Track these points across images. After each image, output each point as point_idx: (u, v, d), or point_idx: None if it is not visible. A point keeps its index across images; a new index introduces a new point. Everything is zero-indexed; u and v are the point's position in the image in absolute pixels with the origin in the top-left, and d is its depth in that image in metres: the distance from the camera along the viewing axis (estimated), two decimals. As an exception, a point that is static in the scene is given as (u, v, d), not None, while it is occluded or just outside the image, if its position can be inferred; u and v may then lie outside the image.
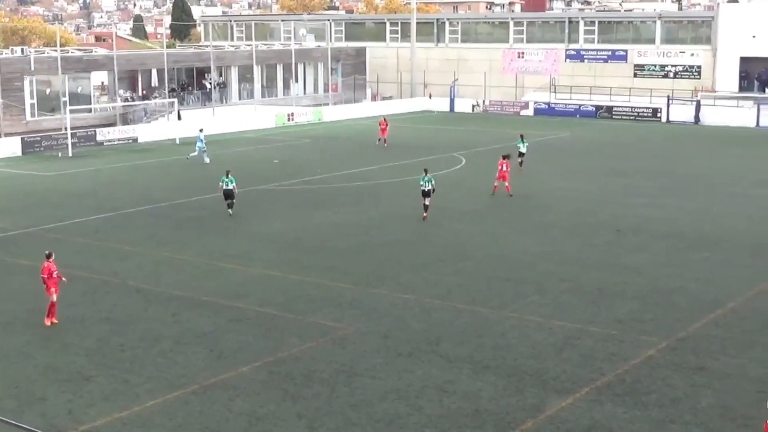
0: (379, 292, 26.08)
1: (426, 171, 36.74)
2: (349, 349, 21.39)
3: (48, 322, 23.12)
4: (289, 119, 75.62)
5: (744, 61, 79.31)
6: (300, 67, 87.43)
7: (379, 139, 60.31)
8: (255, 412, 17.79)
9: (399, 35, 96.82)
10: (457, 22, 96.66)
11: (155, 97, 72.97)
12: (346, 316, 23.88)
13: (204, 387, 19.03)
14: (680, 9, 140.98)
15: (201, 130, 54.04)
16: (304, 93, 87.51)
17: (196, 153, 52.72)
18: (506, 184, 40.76)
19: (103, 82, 71.82)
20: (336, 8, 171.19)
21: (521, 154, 48.48)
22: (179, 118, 68.71)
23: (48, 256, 23.47)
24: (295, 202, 40.24)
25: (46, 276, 23.16)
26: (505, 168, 40.85)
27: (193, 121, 67.71)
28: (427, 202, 36.08)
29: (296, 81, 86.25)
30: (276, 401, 18.32)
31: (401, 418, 17.50)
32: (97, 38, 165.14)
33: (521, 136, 49.48)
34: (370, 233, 33.89)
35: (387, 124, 61.19)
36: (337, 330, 22.71)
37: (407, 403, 18.17)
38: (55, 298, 23.20)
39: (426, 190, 35.96)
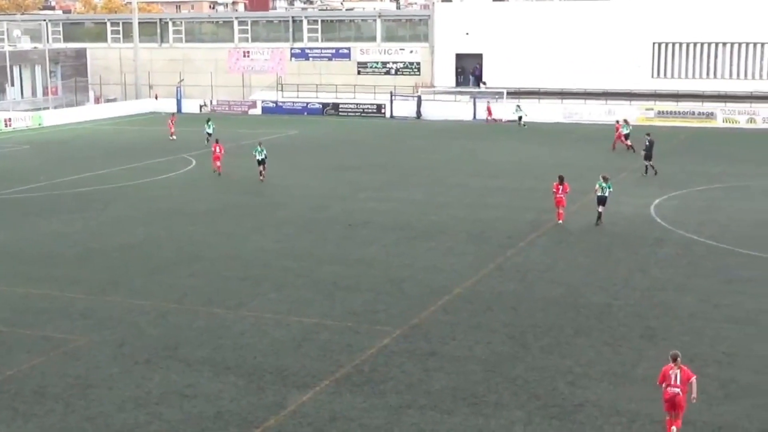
0: (112, 299, 25.23)
1: None
2: (83, 360, 20.54)
3: None
4: (6, 125, 71.56)
5: (459, 57, 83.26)
6: (15, 70, 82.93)
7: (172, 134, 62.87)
8: (-18, 436, 16.72)
9: (121, 35, 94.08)
10: (181, 22, 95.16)
11: None
12: (78, 326, 22.91)
13: (-77, 414, 17.66)
14: (398, 8, 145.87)
15: None
16: (22, 97, 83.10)
17: None
18: (561, 210, 35.04)
19: None
20: (52, 8, 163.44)
21: (261, 162, 46.30)
22: None
23: None
24: (17, 211, 38.15)
25: None
26: (561, 192, 34.85)
27: None
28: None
29: (12, 85, 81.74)
30: (6, 422, 17.29)
31: (141, 427, 17.02)
32: None
33: (259, 143, 48.79)
34: (100, 239, 32.71)
35: (174, 120, 65.42)
36: (69, 342, 21.74)
37: (147, 411, 17.70)
38: None
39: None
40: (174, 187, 43.98)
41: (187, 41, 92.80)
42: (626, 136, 55.56)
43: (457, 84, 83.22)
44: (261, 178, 44.85)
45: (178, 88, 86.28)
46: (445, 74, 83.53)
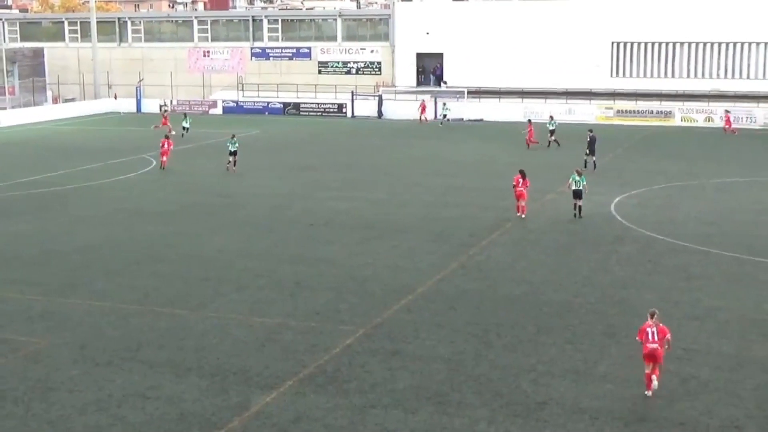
0: (73, 301, 24.98)
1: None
2: (44, 363, 20.32)
3: None
4: (-39, 125, 70.65)
5: (420, 56, 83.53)
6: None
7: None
8: (-59, 441, 16.46)
9: (79, 35, 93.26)
10: (140, 21, 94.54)
11: None
12: (37, 329, 22.65)
13: None
14: (359, 8, 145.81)
15: None
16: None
17: None
18: (522, 204, 35.83)
19: None
20: (8, 7, 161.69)
21: (233, 153, 47.73)
22: None
23: None
24: (-26, 212, 37.68)
25: None
26: (521, 186, 35.68)
27: None
28: None
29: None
30: (-36, 426, 17.07)
31: (103, 430, 16.86)
32: None
33: (232, 136, 49.36)
34: (59, 241, 32.38)
35: (167, 119, 65.62)
36: (29, 344, 21.48)
37: (108, 414, 17.54)
38: None
39: None
40: (134, 188, 43.67)
41: (146, 41, 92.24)
42: (551, 132, 57.57)
43: (418, 83, 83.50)
44: (231, 168, 47.59)
45: (137, 88, 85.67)
46: (406, 74, 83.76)
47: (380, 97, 79.25)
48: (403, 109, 77.76)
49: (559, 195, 39.90)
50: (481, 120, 74.00)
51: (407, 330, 22.38)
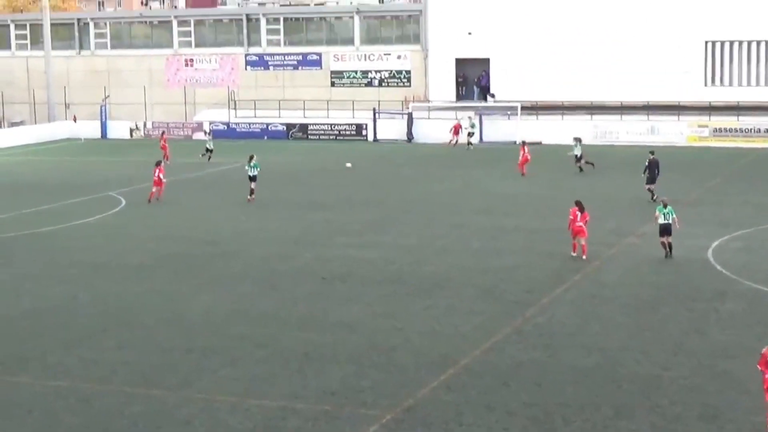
0: (20, 380, 25.03)
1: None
2: (-17, 460, 20.37)
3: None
4: None
5: (460, 63, 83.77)
6: None
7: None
8: None
9: (28, 41, 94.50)
10: (105, 23, 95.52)
11: None
12: (-25, 416, 22.74)
13: None
14: (382, 2, 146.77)
15: None
16: None
17: None
18: (582, 242, 37.09)
19: None
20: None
21: (253, 179, 50.50)
22: None
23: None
24: None
25: None
26: (580, 219, 36.94)
27: None
28: None
29: None
30: None
31: None
32: None
33: (251, 158, 51.73)
34: (2, 304, 32.54)
35: (166, 143, 68.19)
36: (-35, 436, 21.58)
37: None
38: None
39: None
40: (99, 235, 43.87)
41: (113, 47, 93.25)
42: (577, 158, 59.60)
43: (459, 97, 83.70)
44: (250, 198, 50.80)
45: (102, 107, 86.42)
46: (443, 85, 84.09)
47: (410, 115, 79.57)
48: (438, 130, 77.91)
49: (640, 238, 39.75)
50: (540, 143, 74.06)
51: (448, 414, 22.25)
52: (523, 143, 61.15)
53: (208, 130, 73.96)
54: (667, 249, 36.55)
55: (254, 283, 34.64)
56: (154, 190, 51.21)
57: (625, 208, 45.18)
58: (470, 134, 73.63)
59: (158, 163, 52.43)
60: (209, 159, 66.96)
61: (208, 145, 68.46)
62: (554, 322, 29.28)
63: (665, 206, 36.45)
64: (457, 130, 75.20)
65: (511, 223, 44.50)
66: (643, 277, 34.27)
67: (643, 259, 36.64)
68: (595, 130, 74.29)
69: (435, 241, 41.18)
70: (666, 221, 36.24)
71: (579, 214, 36.68)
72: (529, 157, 59.47)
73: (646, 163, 49.51)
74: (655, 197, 47.34)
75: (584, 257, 36.51)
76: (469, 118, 75.08)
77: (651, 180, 48.97)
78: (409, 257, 38.13)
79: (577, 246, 36.97)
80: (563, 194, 51.69)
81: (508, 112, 77.37)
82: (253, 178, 50.79)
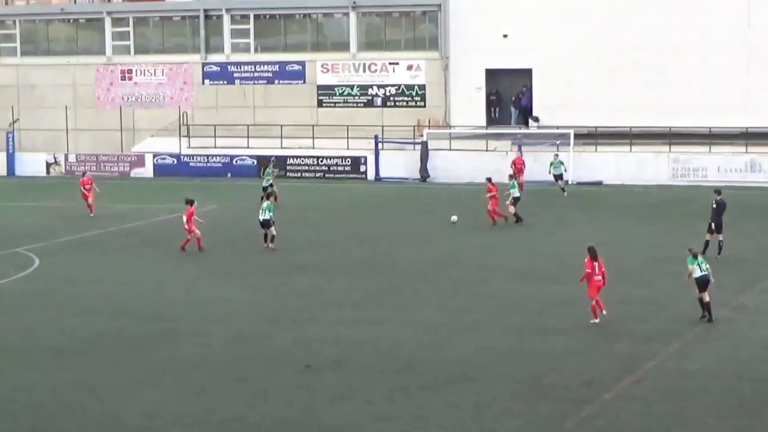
0: None
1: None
2: None
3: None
4: None
5: (492, 75, 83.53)
6: None
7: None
8: None
9: None
10: (15, 21, 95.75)
11: None
12: None
13: None
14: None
15: None
16: None
17: None
18: (599, 301, 38.94)
19: None
20: None
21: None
22: None
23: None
24: None
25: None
26: (598, 271, 38.80)
27: None
28: None
29: None
30: None
31: None
32: None
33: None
34: None
35: (92, 183, 66.46)
36: None
37: None
38: None
39: None
40: (3, 307, 43.75)
41: (24, 54, 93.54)
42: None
43: (491, 121, 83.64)
44: (270, 245, 53.71)
45: (9, 135, 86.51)
46: (469, 105, 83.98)
47: (425, 145, 79.49)
48: (463, 164, 77.86)
49: (738, 311, 39.69)
50: (601, 182, 74.01)
51: None
52: (489, 180, 60.97)
53: (272, 160, 70.03)
54: (706, 311, 38.18)
55: (214, 373, 34.43)
56: (189, 236, 53.53)
57: (718, 270, 44.94)
58: (559, 176, 71.00)
59: (190, 203, 54.83)
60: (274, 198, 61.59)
61: (266, 180, 65.23)
62: (620, 425, 29.09)
63: (695, 257, 38.22)
64: (520, 168, 71.76)
65: (563, 293, 44.32)
66: (742, 365, 34.07)
67: (743, 340, 36.48)
68: (674, 166, 74.18)
69: (458, 316, 41.04)
70: (703, 273, 37.90)
71: (595, 264, 37.90)
72: (497, 201, 60.02)
73: (714, 206, 50.07)
74: (720, 252, 48.95)
75: (604, 312, 38.35)
76: (556, 155, 72.09)
77: (718, 227, 49.51)
78: (425, 338, 37.99)
79: (597, 310, 38.17)
80: (631, 252, 51.63)
81: (558, 141, 76.81)
82: (264, 224, 53.52)
